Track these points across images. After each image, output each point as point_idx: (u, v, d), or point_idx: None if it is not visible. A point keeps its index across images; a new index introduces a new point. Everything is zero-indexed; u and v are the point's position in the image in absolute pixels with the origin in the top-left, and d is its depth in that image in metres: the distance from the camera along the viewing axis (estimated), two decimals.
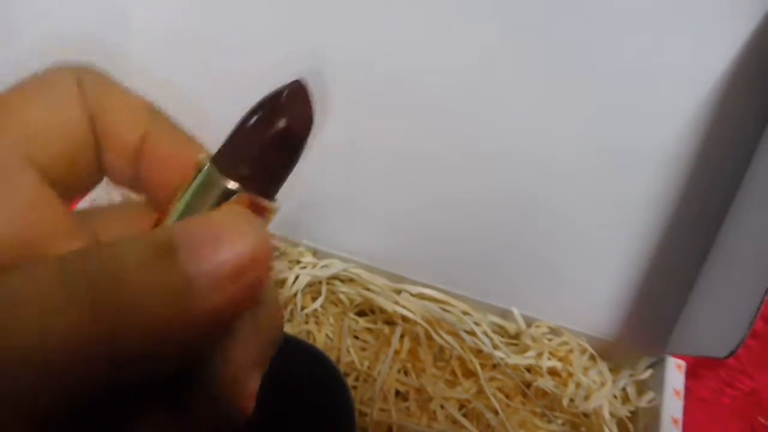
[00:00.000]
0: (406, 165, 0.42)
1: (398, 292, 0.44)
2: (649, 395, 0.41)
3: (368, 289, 0.44)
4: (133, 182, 0.18)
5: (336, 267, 0.44)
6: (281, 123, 0.17)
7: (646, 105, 0.38)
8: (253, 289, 0.14)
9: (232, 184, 0.16)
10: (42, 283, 0.12)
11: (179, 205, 0.16)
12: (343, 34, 0.40)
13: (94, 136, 0.17)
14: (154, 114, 0.18)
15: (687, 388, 0.41)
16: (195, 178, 0.16)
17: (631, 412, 0.42)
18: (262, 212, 0.16)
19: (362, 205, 0.44)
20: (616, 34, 0.37)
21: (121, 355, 0.13)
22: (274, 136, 0.16)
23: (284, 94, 0.17)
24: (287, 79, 0.18)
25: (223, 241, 0.13)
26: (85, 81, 0.17)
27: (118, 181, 0.18)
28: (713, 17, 0.35)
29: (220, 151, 0.16)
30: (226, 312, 0.14)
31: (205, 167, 0.16)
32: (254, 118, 0.17)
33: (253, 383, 0.16)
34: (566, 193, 0.41)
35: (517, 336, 0.44)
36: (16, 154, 0.16)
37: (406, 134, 0.42)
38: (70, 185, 0.17)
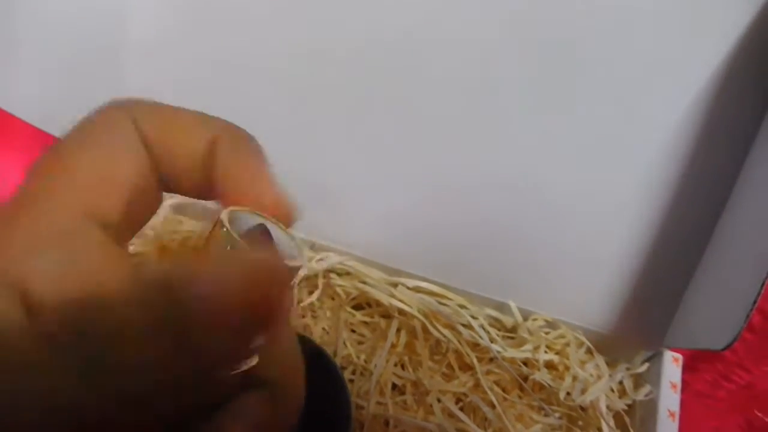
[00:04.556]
0: (402, 158, 0.42)
1: (395, 285, 0.44)
2: (646, 389, 0.41)
3: (365, 283, 0.44)
4: (204, 190, 0.18)
5: (332, 260, 0.44)
6: None
7: (643, 98, 0.38)
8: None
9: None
10: None
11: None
12: (341, 29, 0.40)
13: (155, 173, 0.17)
14: (213, 122, 0.18)
15: (684, 382, 0.41)
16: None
17: (628, 406, 0.42)
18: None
19: (359, 199, 0.44)
20: (612, 28, 0.36)
21: None
22: None
23: None
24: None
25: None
26: (139, 118, 0.17)
27: (187, 192, 0.19)
28: (709, 9, 0.35)
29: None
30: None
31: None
32: None
33: None
34: (563, 187, 0.41)
35: (513, 329, 0.44)
36: (79, 213, 0.15)
37: (403, 127, 0.41)
38: (132, 223, 0.17)
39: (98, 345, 0.13)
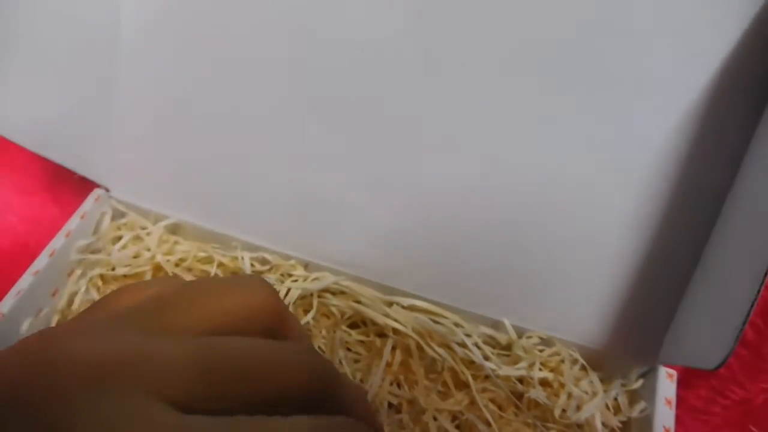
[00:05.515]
0: (396, 177, 0.42)
1: (389, 304, 0.44)
2: (641, 405, 0.41)
3: (359, 302, 0.44)
4: None
5: (327, 280, 0.44)
6: None
7: (633, 113, 0.38)
8: None
9: None
10: None
11: None
12: (340, 36, 0.40)
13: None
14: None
15: (679, 398, 0.41)
16: None
17: (623, 422, 0.42)
18: None
19: (353, 217, 0.44)
20: (609, 28, 0.37)
21: None
22: None
23: None
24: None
25: None
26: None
27: None
28: (709, 9, 0.35)
29: None
30: None
31: None
32: None
33: None
34: (556, 203, 0.41)
35: (508, 347, 0.44)
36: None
37: (397, 147, 0.42)
38: None
39: None
